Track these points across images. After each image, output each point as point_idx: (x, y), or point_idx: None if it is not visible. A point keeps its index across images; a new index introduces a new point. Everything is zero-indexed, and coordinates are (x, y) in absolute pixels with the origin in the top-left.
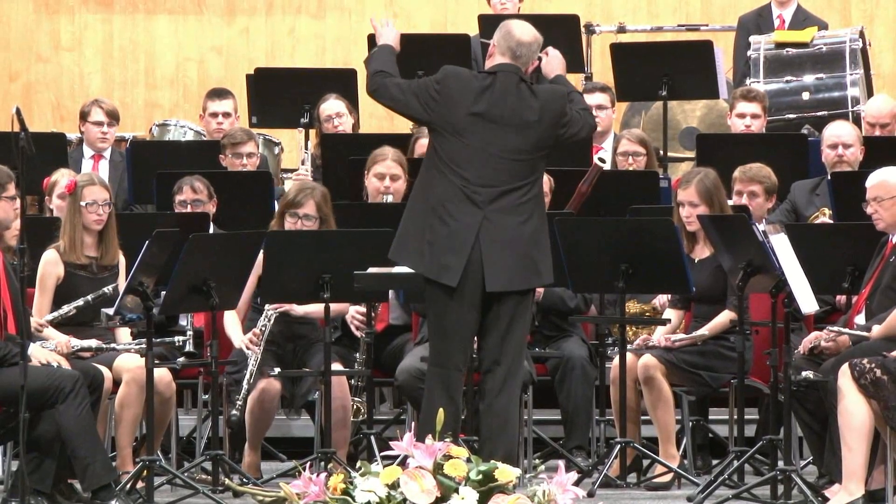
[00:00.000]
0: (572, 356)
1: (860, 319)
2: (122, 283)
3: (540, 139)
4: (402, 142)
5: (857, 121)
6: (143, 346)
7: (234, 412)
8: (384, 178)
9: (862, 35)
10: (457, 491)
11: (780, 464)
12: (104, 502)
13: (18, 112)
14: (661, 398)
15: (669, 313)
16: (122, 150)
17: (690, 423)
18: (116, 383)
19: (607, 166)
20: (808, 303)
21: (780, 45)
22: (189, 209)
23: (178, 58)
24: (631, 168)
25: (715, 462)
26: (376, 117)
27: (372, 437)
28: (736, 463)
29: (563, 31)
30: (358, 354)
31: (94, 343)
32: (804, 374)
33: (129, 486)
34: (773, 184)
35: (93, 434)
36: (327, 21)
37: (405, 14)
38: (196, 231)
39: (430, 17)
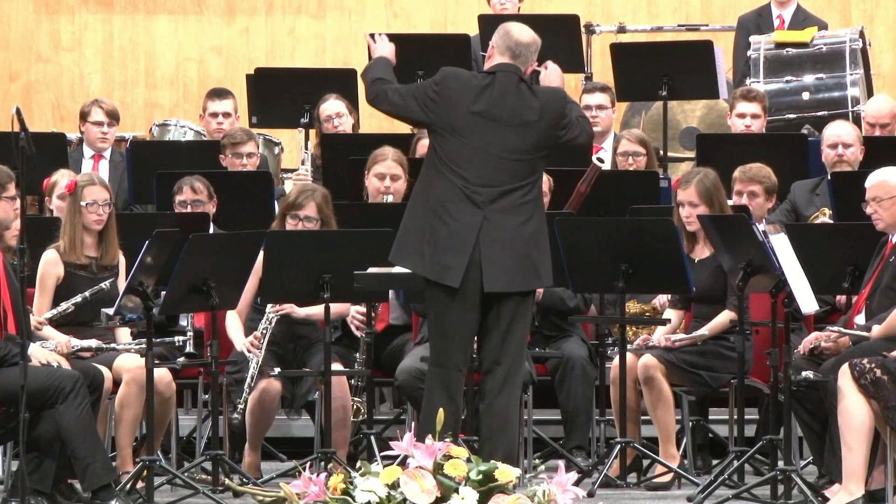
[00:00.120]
0: (572, 356)
1: (860, 319)
2: (122, 283)
3: (540, 139)
4: (402, 142)
5: (857, 121)
6: (143, 346)
7: (235, 415)
8: (384, 179)
9: (862, 35)
10: (457, 491)
11: (780, 464)
12: (104, 502)
13: (18, 112)
14: (661, 398)
15: (669, 313)
16: (122, 150)
17: (690, 423)
18: (116, 383)
19: (607, 166)
20: (808, 303)
21: (780, 45)
22: (189, 209)
23: (178, 58)
24: (631, 168)
25: (715, 462)
26: (376, 117)
27: (372, 437)
28: (736, 463)
29: (563, 31)
30: (358, 354)
31: (94, 343)
32: (804, 374)
33: (129, 486)
34: (773, 184)
35: (93, 434)
36: (327, 21)
37: (405, 14)
38: (196, 231)
39: (430, 17)
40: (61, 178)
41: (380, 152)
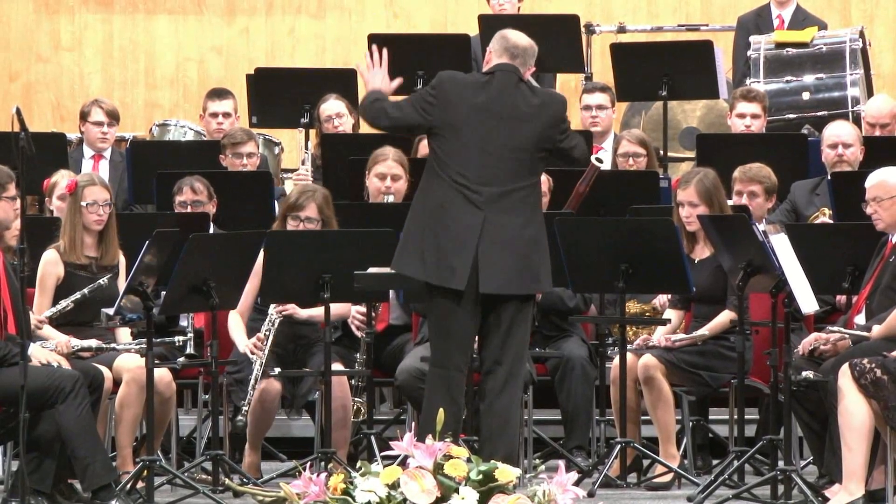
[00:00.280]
0: (572, 356)
1: (860, 319)
2: (122, 283)
3: (539, 137)
4: (403, 142)
5: (857, 121)
6: (143, 346)
7: (239, 418)
8: (385, 178)
9: (862, 35)
10: (457, 491)
11: (780, 464)
12: (104, 502)
13: (18, 112)
14: (661, 398)
15: (669, 313)
16: (122, 150)
17: (690, 423)
18: (116, 383)
19: (607, 166)
20: (808, 303)
21: (780, 45)
22: (189, 210)
23: (178, 58)
24: (632, 169)
25: (715, 462)
26: None
27: (372, 437)
28: (736, 463)
29: (563, 31)
30: (358, 354)
31: (94, 343)
32: (804, 374)
33: (129, 486)
34: (773, 184)
35: (93, 434)
36: (327, 21)
37: (405, 14)
38: (196, 231)
39: (430, 17)
40: (61, 179)
41: (380, 152)
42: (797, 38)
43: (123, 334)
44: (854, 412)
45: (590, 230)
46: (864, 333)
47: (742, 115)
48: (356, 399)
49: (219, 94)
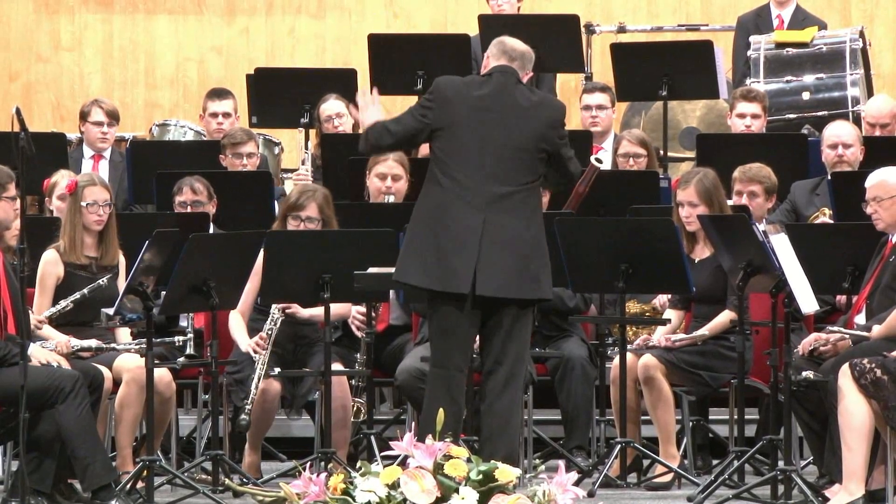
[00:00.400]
0: (572, 356)
1: (860, 319)
2: (122, 283)
3: (539, 136)
4: None
5: (857, 121)
6: (143, 346)
7: (242, 417)
8: (385, 179)
9: (862, 35)
10: (457, 491)
11: (780, 464)
12: (104, 502)
13: (18, 112)
14: (661, 398)
15: (669, 313)
16: (122, 150)
17: (690, 423)
18: (116, 383)
19: (607, 166)
20: (808, 303)
21: (780, 45)
22: (189, 210)
23: (178, 58)
24: (631, 169)
25: (715, 462)
26: None
27: (372, 437)
28: (736, 463)
29: (563, 31)
30: (358, 355)
31: (94, 343)
32: (804, 374)
33: (129, 486)
34: (773, 184)
35: (93, 434)
36: (327, 21)
37: (405, 14)
38: (196, 231)
39: (430, 17)
40: (61, 179)
41: None
42: (797, 38)
43: (123, 334)
44: (854, 412)
45: (590, 230)
46: (864, 333)
47: (742, 115)
48: (356, 399)
49: (219, 94)
